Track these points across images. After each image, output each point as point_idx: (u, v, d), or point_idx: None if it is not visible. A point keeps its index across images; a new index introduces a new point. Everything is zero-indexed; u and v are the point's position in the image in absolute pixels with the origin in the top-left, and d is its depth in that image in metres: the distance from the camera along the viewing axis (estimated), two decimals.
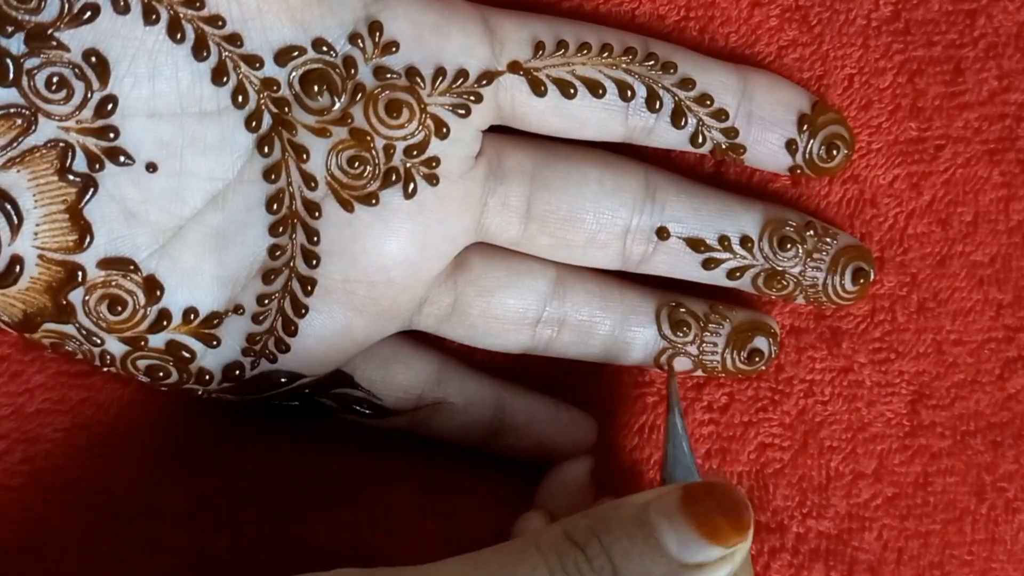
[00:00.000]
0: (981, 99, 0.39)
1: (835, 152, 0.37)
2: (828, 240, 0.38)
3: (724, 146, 0.37)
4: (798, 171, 0.37)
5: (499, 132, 0.37)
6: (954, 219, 0.40)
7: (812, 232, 0.38)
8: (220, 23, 0.32)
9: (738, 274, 0.38)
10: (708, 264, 0.38)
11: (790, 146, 0.37)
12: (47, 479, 0.37)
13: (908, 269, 0.40)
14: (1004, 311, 0.40)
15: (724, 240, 0.37)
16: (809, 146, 0.37)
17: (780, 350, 0.39)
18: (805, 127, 0.37)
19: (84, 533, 0.37)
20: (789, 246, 0.37)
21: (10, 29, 0.31)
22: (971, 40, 0.39)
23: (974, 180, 0.40)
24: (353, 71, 0.34)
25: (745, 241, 0.37)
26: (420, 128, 0.34)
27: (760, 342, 0.38)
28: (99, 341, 0.34)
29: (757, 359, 0.38)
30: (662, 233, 0.37)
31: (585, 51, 0.36)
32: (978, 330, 0.40)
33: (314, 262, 0.34)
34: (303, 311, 0.35)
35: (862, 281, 0.38)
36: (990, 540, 0.40)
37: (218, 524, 0.37)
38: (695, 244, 0.37)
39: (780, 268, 0.38)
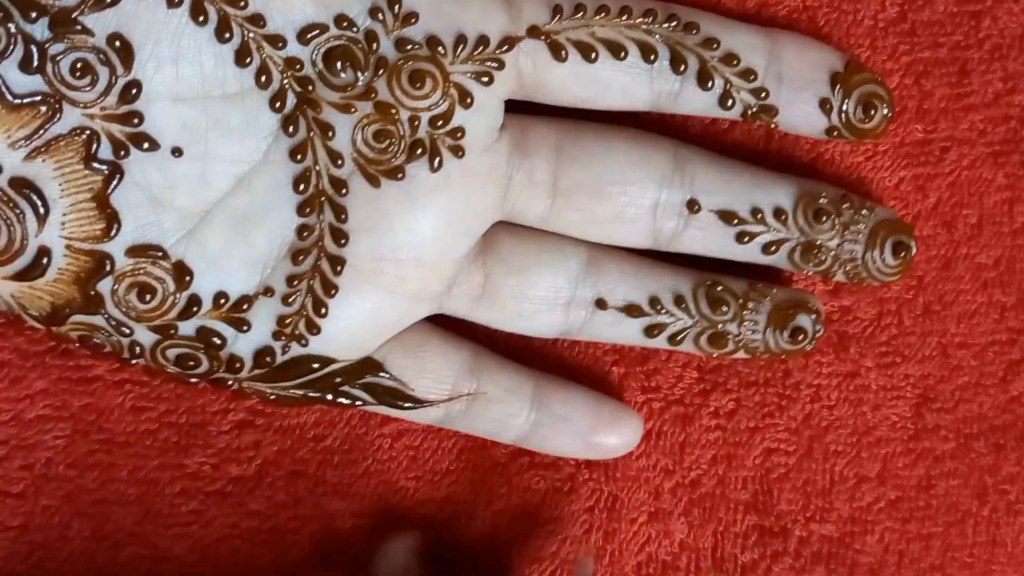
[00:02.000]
0: (986, 101, 0.39)
1: (873, 111, 0.36)
2: (864, 212, 0.37)
3: (755, 108, 0.36)
4: (835, 133, 0.36)
5: (522, 110, 0.36)
6: (959, 221, 0.40)
7: (848, 204, 0.37)
8: (242, 4, 0.32)
9: (773, 248, 0.37)
10: (741, 237, 0.37)
11: (824, 106, 0.36)
12: (47, 486, 0.37)
13: (914, 272, 0.39)
14: (1008, 314, 0.40)
15: (757, 212, 0.36)
16: (844, 106, 0.36)
17: None
18: (839, 86, 0.36)
19: (85, 540, 0.37)
20: (824, 218, 0.37)
21: (34, 15, 0.31)
22: (976, 42, 0.39)
23: (979, 182, 0.40)
24: (375, 45, 0.33)
25: (779, 213, 0.37)
26: (444, 98, 0.34)
27: (803, 320, 0.37)
28: (128, 331, 0.34)
29: (801, 338, 0.37)
30: (692, 206, 0.36)
31: (604, 13, 0.35)
32: (982, 333, 0.40)
33: (343, 241, 0.34)
34: (333, 291, 0.34)
35: (903, 255, 0.37)
36: (991, 543, 0.40)
37: (220, 531, 0.37)
38: (727, 216, 0.36)
39: (816, 241, 0.37)
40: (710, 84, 0.36)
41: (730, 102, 0.36)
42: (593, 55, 0.35)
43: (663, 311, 0.37)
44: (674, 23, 0.35)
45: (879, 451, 0.40)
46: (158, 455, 0.37)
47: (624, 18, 0.35)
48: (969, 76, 0.39)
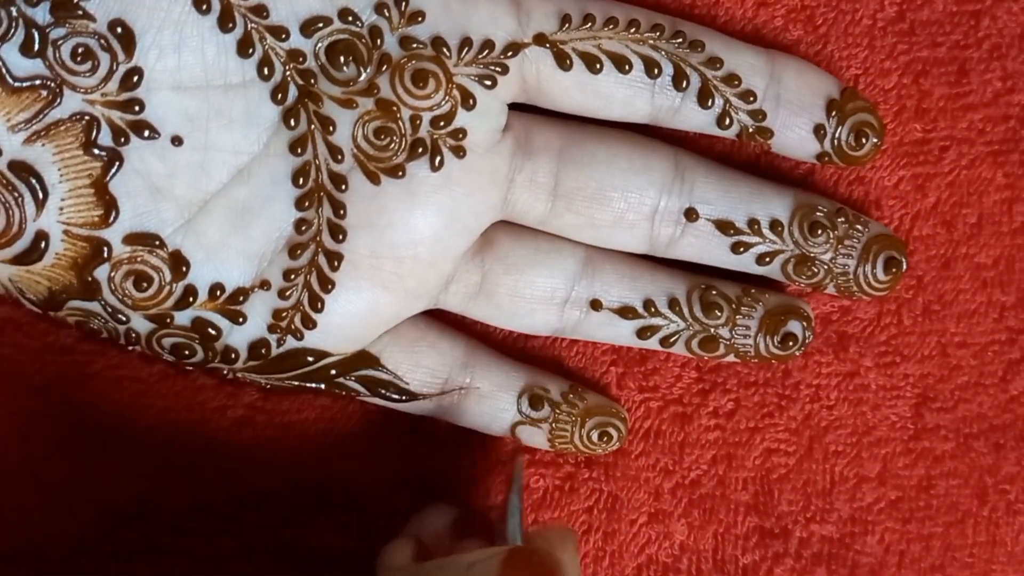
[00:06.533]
0: (985, 100, 0.39)
1: (864, 140, 0.37)
2: (859, 227, 0.37)
3: (751, 129, 0.36)
4: (826, 158, 0.37)
5: (527, 112, 0.36)
6: (958, 221, 0.40)
7: (843, 219, 0.37)
8: None
9: (767, 259, 0.37)
10: (737, 248, 0.37)
11: (818, 132, 0.36)
12: (48, 481, 0.37)
13: (914, 272, 0.39)
14: (1007, 313, 0.40)
15: (753, 223, 0.37)
16: (837, 133, 0.36)
17: None
18: (834, 113, 0.36)
19: (86, 536, 0.37)
20: (819, 232, 0.37)
21: None
22: (976, 41, 0.39)
23: (978, 182, 0.40)
24: (379, 41, 0.33)
25: (775, 225, 0.37)
26: (446, 99, 0.34)
27: (794, 326, 0.38)
28: (124, 319, 0.34)
29: (791, 344, 0.38)
30: (691, 215, 0.36)
31: (612, 25, 0.35)
32: (982, 332, 0.40)
33: (340, 236, 0.34)
34: (330, 286, 0.34)
35: (894, 271, 0.37)
36: (991, 542, 0.40)
37: (221, 528, 0.37)
38: (724, 227, 0.37)
39: (811, 254, 0.37)
40: (710, 103, 0.36)
41: (728, 121, 0.36)
42: (597, 66, 0.35)
43: (657, 314, 0.37)
44: (680, 40, 0.35)
45: (879, 451, 0.40)
46: (156, 451, 0.37)
47: (632, 31, 0.35)
48: (968, 75, 0.39)
